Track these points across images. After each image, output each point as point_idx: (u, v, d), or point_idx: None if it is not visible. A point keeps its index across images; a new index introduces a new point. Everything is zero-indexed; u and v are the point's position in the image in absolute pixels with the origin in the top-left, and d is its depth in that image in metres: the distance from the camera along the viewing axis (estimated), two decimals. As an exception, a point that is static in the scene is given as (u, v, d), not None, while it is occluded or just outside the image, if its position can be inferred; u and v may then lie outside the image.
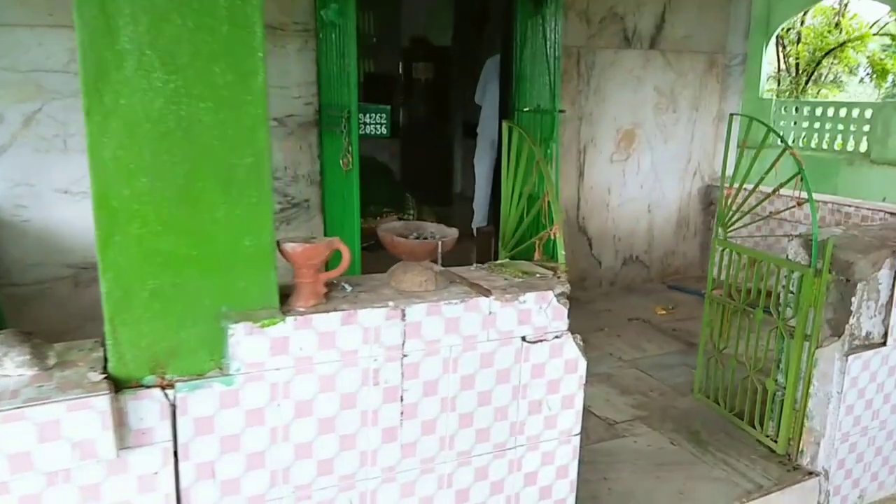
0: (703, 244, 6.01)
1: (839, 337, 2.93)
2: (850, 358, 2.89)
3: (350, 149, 4.00)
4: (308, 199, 4.50)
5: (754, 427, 3.33)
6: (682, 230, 5.98)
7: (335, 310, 1.89)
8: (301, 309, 1.87)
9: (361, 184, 6.95)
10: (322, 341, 1.87)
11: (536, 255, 2.68)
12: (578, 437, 2.41)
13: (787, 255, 3.13)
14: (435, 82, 8.91)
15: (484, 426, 2.19)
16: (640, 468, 3.08)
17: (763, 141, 3.26)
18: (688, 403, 3.69)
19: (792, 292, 3.09)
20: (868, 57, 11.95)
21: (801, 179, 3.00)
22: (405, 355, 2.00)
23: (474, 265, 2.51)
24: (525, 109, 4.89)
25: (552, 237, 2.48)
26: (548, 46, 4.48)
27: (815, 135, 7.67)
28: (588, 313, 5.10)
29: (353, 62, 3.79)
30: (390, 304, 1.96)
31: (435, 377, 2.07)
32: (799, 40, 11.05)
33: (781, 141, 3.13)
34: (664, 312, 5.09)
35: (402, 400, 2.03)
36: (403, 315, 1.97)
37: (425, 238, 2.20)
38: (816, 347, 3.00)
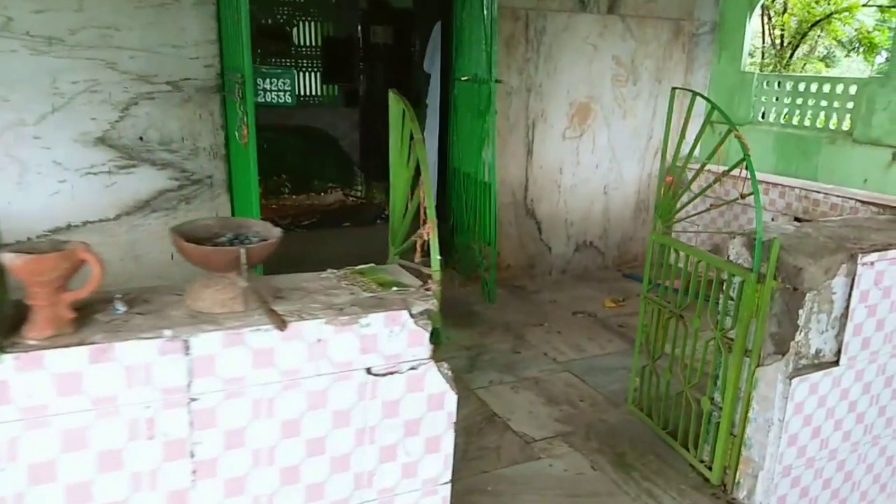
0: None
1: (783, 355, 2.49)
2: (795, 381, 2.45)
3: (246, 119, 3.48)
4: (211, 175, 4.00)
5: (688, 449, 2.91)
6: (642, 214, 5.51)
7: (81, 343, 1.42)
8: (32, 342, 1.40)
9: (304, 156, 6.47)
10: (61, 385, 1.40)
11: (417, 257, 2.21)
12: (448, 486, 1.97)
13: (728, 256, 2.68)
14: (396, 48, 8.33)
15: (317, 481, 1.74)
16: (549, 500, 2.66)
17: (707, 119, 2.78)
18: (619, 417, 3.26)
19: (732, 299, 2.64)
20: (856, 30, 11.39)
21: (746, 166, 2.53)
22: (193, 399, 1.54)
23: (327, 271, 2.04)
24: (463, 79, 4.39)
25: (426, 237, 2.00)
26: (484, 7, 3.95)
27: (798, 111, 7.19)
28: (531, 305, 4.65)
29: (246, 16, 3.24)
30: (166, 333, 1.48)
31: (241, 425, 1.61)
32: (785, 10, 10.46)
33: (726, 120, 2.65)
34: (613, 305, 4.65)
35: (192, 456, 1.57)
36: (187, 348, 1.50)
37: (241, 242, 1.72)
38: (757, 366, 2.56)
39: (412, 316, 1.77)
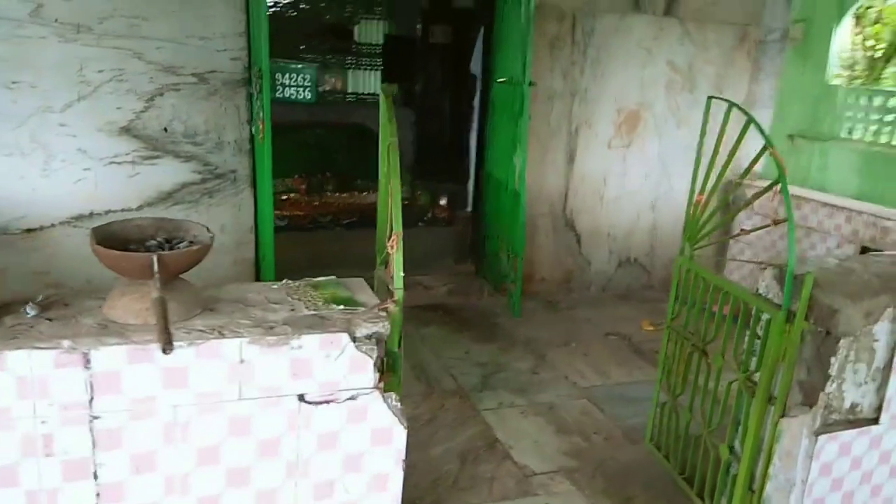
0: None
1: (811, 407, 2.17)
2: (823, 438, 2.13)
3: (262, 114, 3.39)
4: (235, 169, 3.94)
5: (703, 500, 2.61)
6: (718, 228, 5.13)
7: (-33, 350, 1.30)
8: (-86, 347, 1.30)
9: (349, 155, 6.38)
10: (-58, 395, 1.29)
11: (388, 273, 2.02)
12: (396, 529, 1.78)
13: (759, 289, 2.37)
14: (454, 47, 8.15)
15: (238, 513, 1.58)
16: (536, 546, 2.42)
17: (741, 134, 2.47)
18: (634, 455, 2.98)
19: (759, 337, 2.33)
20: (962, 41, 10.41)
21: (780, 189, 2.22)
22: (95, 417, 1.40)
23: (283, 282, 1.88)
24: (500, 80, 4.17)
25: (390, 251, 1.81)
26: (521, 5, 3.73)
27: (888, 129, 6.60)
28: (561, 322, 4.38)
29: (264, 7, 3.14)
30: (64, 344, 1.35)
31: (151, 448, 1.47)
32: (878, 20, 9.67)
33: (762, 136, 2.34)
34: (651, 329, 4.33)
35: (95, 478, 1.44)
36: (87, 361, 1.36)
37: (172, 246, 1.58)
38: (781, 416, 2.25)
39: (354, 340, 1.59)
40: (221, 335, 1.48)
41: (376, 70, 8.90)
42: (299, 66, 3.33)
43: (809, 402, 2.19)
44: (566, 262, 4.84)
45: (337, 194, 6.16)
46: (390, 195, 1.86)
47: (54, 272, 3.80)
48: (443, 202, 6.44)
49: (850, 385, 2.16)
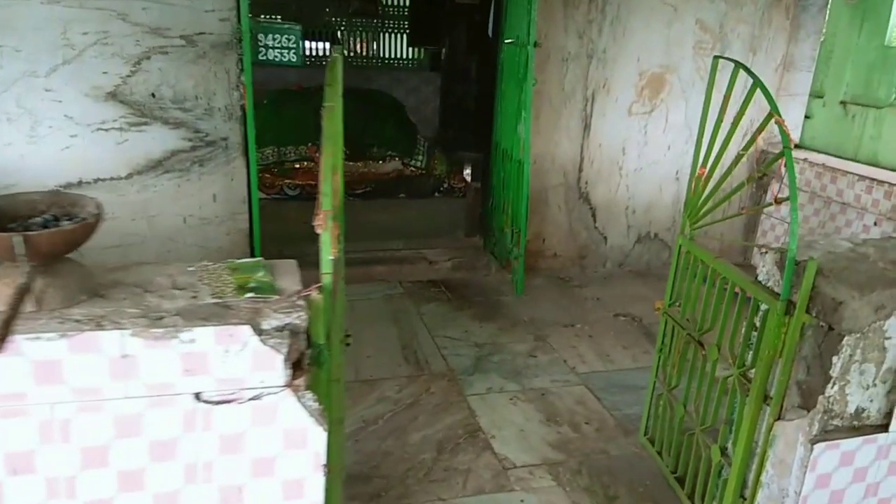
0: (749, 224, 4.80)
1: (808, 411, 1.92)
2: (819, 447, 1.88)
3: (242, 78, 3.21)
4: (226, 137, 3.78)
5: (693, 503, 2.38)
6: (723, 206, 4.78)
7: None
8: None
9: (365, 122, 6.17)
10: None
11: (333, 251, 1.83)
12: (317, 539, 1.62)
13: (758, 276, 2.11)
14: (482, 8, 7.82)
15: (131, 518, 1.44)
16: (503, 547, 2.25)
17: (746, 99, 2.18)
18: (625, 449, 2.76)
19: (757, 330, 2.08)
20: None
21: (786, 164, 1.93)
22: (-45, 415, 1.27)
23: (201, 263, 1.71)
24: (507, 41, 3.90)
25: (318, 231, 1.62)
26: (526, -42, 3.43)
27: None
28: (569, 301, 4.14)
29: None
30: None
31: (27, 448, 1.33)
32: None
33: (769, 102, 2.05)
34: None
35: (-40, 479, 1.31)
36: (-61, 354, 1.22)
37: (55, 222, 1.42)
38: (777, 419, 2.00)
39: (260, 332, 1.41)
40: (100, 326, 1.32)
41: (401, 33, 8.64)
42: (284, 26, 3.12)
43: (807, 405, 1.93)
44: (580, 237, 4.57)
45: (351, 163, 5.98)
46: (318, 162, 1.66)
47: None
48: (463, 172, 6.21)
49: (855, 387, 1.90)
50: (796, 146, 4.68)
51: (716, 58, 2.37)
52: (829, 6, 4.50)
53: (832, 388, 1.87)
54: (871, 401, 1.93)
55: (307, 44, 8.57)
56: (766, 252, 2.07)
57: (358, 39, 8.80)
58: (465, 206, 5.07)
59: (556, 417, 2.94)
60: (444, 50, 8.04)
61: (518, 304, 4.03)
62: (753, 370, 2.08)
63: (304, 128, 5.95)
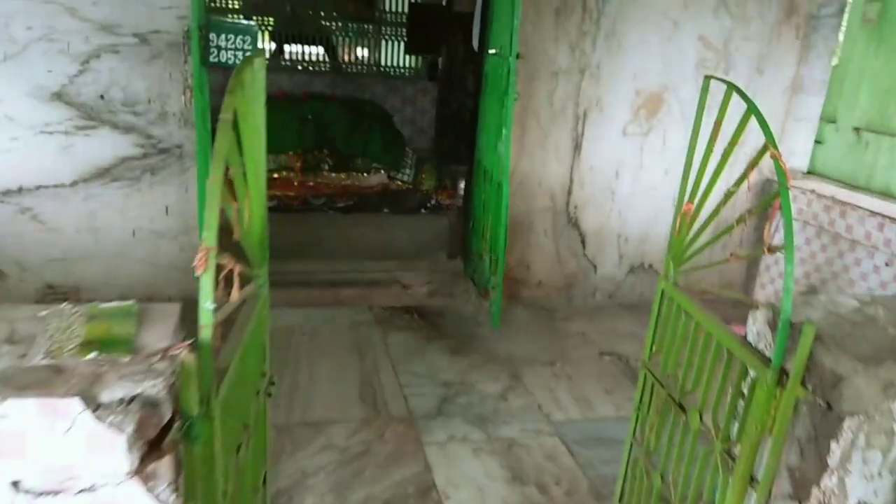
0: (755, 264, 4.48)
1: (801, 503, 1.59)
2: (813, 551, 1.55)
3: (190, 81, 2.93)
4: (181, 144, 3.49)
5: None
6: (724, 239, 4.46)
7: None
8: None
9: (351, 132, 5.88)
10: None
11: (234, 294, 1.53)
12: None
13: (747, 335, 1.79)
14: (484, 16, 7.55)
15: None
16: None
17: (740, 127, 1.87)
18: (596, 518, 2.43)
19: (744, 398, 1.76)
20: None
21: (781, 205, 1.62)
22: None
23: (62, 305, 1.41)
24: (491, 52, 3.60)
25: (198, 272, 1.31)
26: (511, -38, 3.14)
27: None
28: (551, 335, 3.82)
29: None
30: None
31: None
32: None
33: (764, 131, 1.73)
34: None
35: None
36: None
37: None
38: (764, 507, 1.67)
39: (95, 406, 1.10)
40: None
41: (399, 40, 8.37)
42: (239, 25, 2.84)
43: (800, 495, 1.61)
44: (568, 265, 4.25)
45: (333, 174, 5.69)
46: (218, 193, 1.35)
47: (-21, 252, 3.47)
48: (451, 188, 5.91)
49: (857, 478, 1.57)
50: (807, 173, 4.35)
51: (706, 78, 2.06)
52: (844, 26, 4.19)
53: (831, 478, 1.54)
54: (876, 495, 1.60)
55: (302, 48, 8.33)
56: (757, 308, 1.75)
57: (352, 45, 8.54)
58: (448, 226, 4.76)
59: (522, 475, 2.61)
60: (440, 59, 7.76)
61: (495, 337, 3.71)
62: (739, 446, 1.75)
63: (284, 136, 5.66)
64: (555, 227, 4.16)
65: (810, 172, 4.37)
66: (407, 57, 8.40)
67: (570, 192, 4.12)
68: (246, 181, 1.75)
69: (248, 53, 2.90)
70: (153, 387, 1.17)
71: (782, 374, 1.61)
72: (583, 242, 4.24)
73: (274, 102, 5.42)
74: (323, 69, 8.26)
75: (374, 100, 8.19)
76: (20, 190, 3.41)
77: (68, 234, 3.51)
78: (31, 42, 3.22)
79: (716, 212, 1.97)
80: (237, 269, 1.53)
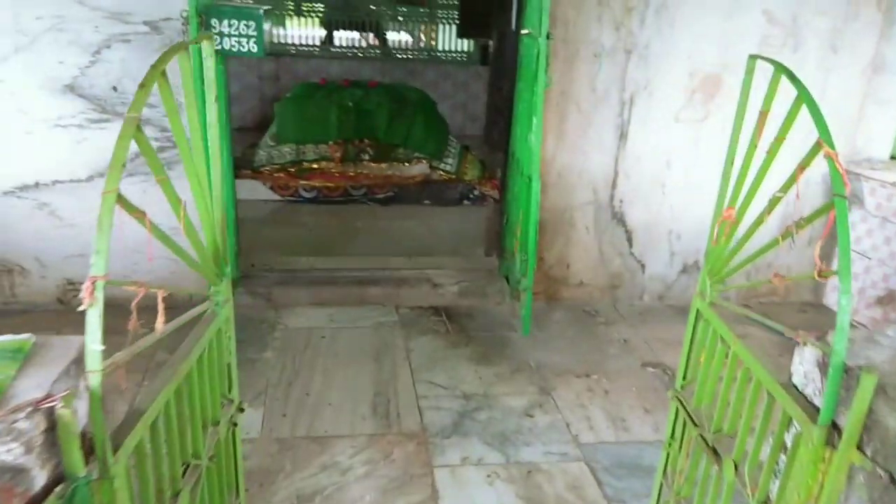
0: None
1: None
2: None
3: (191, 75, 2.74)
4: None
5: None
6: (767, 251, 4.02)
7: None
8: None
9: (393, 120, 5.64)
10: None
11: (159, 322, 1.32)
12: None
13: (791, 377, 1.46)
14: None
15: None
16: None
17: (790, 116, 1.52)
18: (619, 564, 2.13)
19: (787, 453, 1.43)
20: None
21: (836, 218, 1.28)
22: None
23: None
24: (524, 32, 3.28)
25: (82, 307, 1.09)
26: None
27: None
28: (590, 342, 3.50)
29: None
30: None
31: None
32: None
33: (817, 125, 1.39)
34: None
35: None
36: None
37: None
38: None
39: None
40: None
41: (451, 23, 8.08)
42: (242, 9, 2.63)
43: (855, 586, 1.28)
44: (612, 264, 3.91)
45: (374, 164, 5.49)
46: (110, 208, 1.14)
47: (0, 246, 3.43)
48: (495, 178, 5.61)
49: (932, 571, 1.23)
50: (893, 158, 3.85)
51: (751, 57, 1.71)
52: (936, -6, 3.65)
53: (894, 570, 1.21)
54: (957, 591, 1.25)
55: (352, 35, 8.16)
56: (805, 343, 1.41)
57: (402, 30, 8.31)
58: (494, 218, 4.46)
59: (538, 507, 2.34)
60: (491, 42, 7.44)
61: (527, 343, 3.43)
62: (779, 510, 1.43)
63: (324, 125, 5.49)
64: (597, 222, 3.81)
65: (894, 158, 3.86)
66: (459, 41, 8.11)
67: (614, 185, 3.76)
68: (207, 189, 1.54)
69: (253, 40, 2.69)
70: (9, 451, 0.96)
71: (833, 431, 1.28)
72: (629, 239, 3.88)
73: (314, 91, 5.26)
74: (373, 55, 8.08)
75: (423, 86, 7.94)
76: (37, 185, 3.34)
77: (86, 230, 3.42)
78: (41, 33, 3.12)
79: (759, 221, 1.63)
80: (161, 293, 1.31)
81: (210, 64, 1.58)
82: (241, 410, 1.78)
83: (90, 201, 3.38)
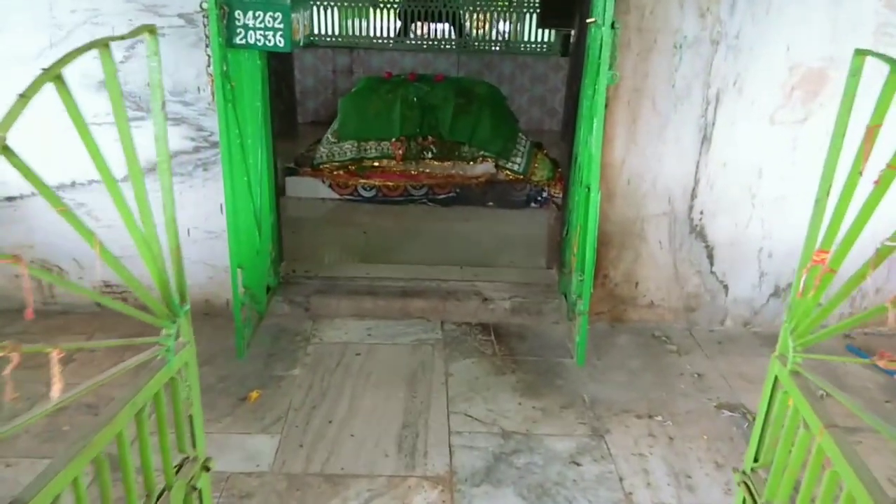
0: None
1: None
2: None
3: (210, 68, 2.52)
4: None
5: None
6: (868, 317, 3.44)
7: None
8: None
9: (453, 115, 5.28)
10: None
11: (54, 389, 1.06)
12: None
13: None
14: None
15: None
16: None
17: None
18: None
19: None
20: None
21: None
22: None
23: None
24: (589, 21, 2.89)
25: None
26: None
27: None
28: (657, 374, 3.07)
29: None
30: None
31: None
32: None
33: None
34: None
35: None
36: None
37: None
38: None
39: None
40: None
41: (530, 12, 7.65)
42: (269, 0, 2.37)
43: None
44: (689, 284, 3.44)
45: (437, 163, 5.19)
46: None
47: (38, 246, 3.35)
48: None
49: None
50: None
51: (858, 53, 1.29)
52: None
53: None
54: None
55: (428, 26, 7.87)
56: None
57: (479, 20, 7.94)
58: (550, 227, 4.08)
59: (573, 585, 1.97)
60: (573, 31, 6.96)
61: (582, 373, 3.04)
62: None
63: (388, 121, 5.24)
64: (673, 236, 3.36)
65: None
66: (539, 31, 7.67)
67: (694, 195, 3.30)
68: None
69: (280, 34, 2.43)
70: None
71: None
72: (710, 256, 3.40)
73: (378, 85, 4.99)
74: (449, 48, 7.78)
75: (499, 79, 7.60)
76: (73, 184, 3.24)
77: (122, 232, 3.28)
78: (76, 26, 2.99)
79: (861, 274, 1.21)
80: (55, 354, 1.06)
81: (155, 64, 1.31)
82: (207, 469, 1.52)
83: (127, 201, 3.25)
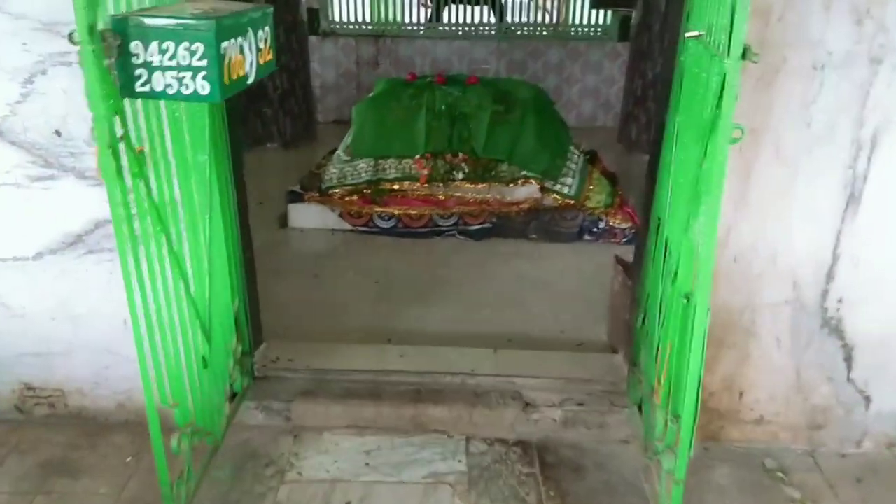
0: None
1: None
2: None
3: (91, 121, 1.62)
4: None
5: None
6: None
7: None
8: None
9: (490, 126, 4.25)
10: None
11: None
12: None
13: None
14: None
15: None
16: None
17: None
18: None
19: None
20: None
21: None
22: None
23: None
24: (691, 34, 1.89)
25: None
26: None
27: None
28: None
29: None
30: None
31: None
32: None
33: None
34: None
35: None
36: None
37: None
38: None
39: None
40: None
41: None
42: (179, 25, 1.46)
43: None
44: (815, 394, 2.46)
45: (469, 185, 4.25)
46: None
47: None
48: (630, 205, 4.21)
49: None
50: None
51: None
52: None
53: None
54: None
55: (464, 9, 6.87)
56: None
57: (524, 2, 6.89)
58: (613, 280, 3.10)
59: None
60: (635, 13, 5.86)
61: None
62: None
63: (411, 134, 4.32)
64: (796, 331, 2.38)
65: None
66: (593, 12, 6.59)
67: (830, 276, 2.30)
68: None
69: (202, 75, 1.53)
70: None
71: None
72: (847, 358, 2.42)
73: (400, 90, 4.00)
74: (488, 34, 6.77)
75: (545, 68, 6.60)
76: (-30, 260, 2.42)
77: (41, 323, 2.47)
78: (-51, 53, 2.15)
79: None
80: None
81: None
82: None
83: (41, 285, 2.42)
